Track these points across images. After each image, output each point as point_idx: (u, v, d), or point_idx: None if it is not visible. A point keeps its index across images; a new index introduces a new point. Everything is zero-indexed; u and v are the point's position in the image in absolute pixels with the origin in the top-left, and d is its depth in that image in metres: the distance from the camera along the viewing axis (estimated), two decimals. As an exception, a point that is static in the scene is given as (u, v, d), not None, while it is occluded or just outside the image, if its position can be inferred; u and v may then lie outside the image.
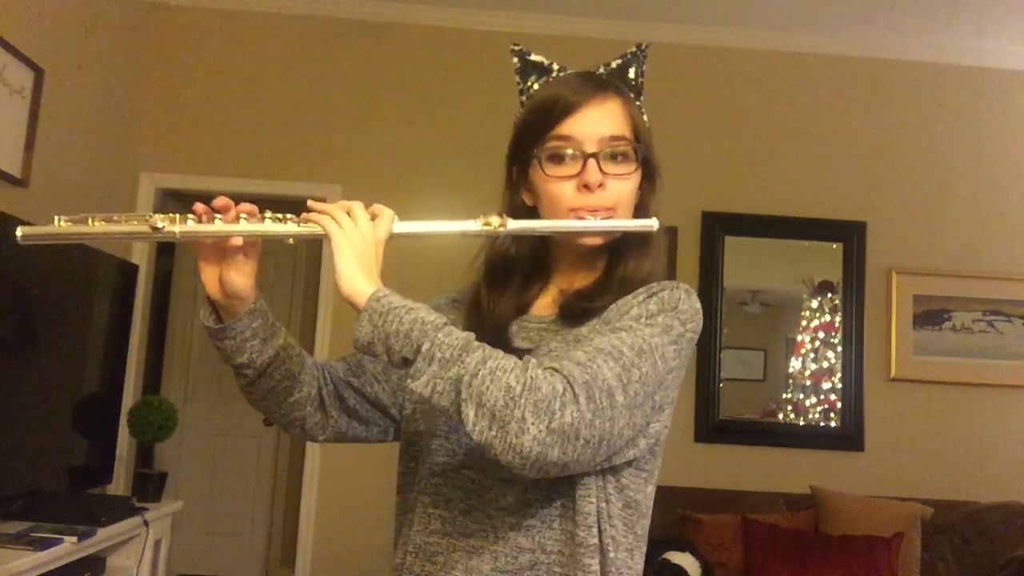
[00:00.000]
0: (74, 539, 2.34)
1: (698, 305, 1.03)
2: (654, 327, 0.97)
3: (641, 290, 1.03)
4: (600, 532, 0.97)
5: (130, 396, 3.49)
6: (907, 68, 4.05)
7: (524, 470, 0.86)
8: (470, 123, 3.86)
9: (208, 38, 3.95)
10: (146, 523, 2.84)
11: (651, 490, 1.05)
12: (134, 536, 2.83)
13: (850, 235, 3.94)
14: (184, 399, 4.35)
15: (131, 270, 3.31)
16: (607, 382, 0.88)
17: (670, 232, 3.90)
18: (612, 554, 0.98)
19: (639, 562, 1.03)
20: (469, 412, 0.85)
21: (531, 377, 0.86)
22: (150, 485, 3.16)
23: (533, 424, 0.84)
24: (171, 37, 3.92)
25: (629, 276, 1.06)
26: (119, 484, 3.48)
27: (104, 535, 2.55)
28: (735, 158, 3.99)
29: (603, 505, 0.98)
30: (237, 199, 1.01)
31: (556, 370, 0.88)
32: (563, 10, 3.89)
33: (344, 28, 3.96)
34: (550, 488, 0.97)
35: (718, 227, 3.93)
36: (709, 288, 3.89)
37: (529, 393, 0.84)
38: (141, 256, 3.65)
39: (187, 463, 4.69)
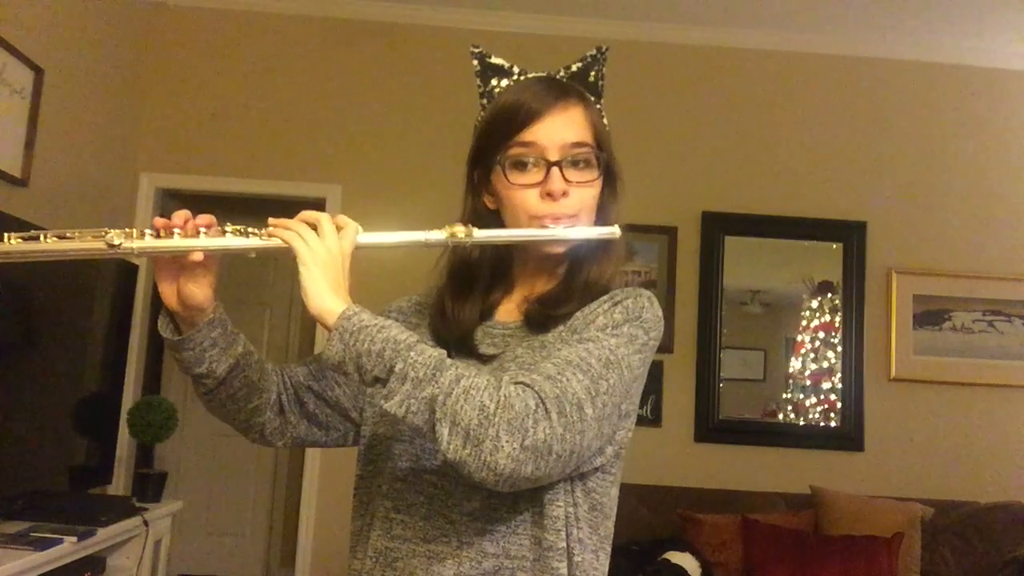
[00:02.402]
0: (74, 539, 2.34)
1: (660, 313, 1.04)
2: (620, 337, 0.98)
3: (605, 298, 1.04)
4: (568, 535, 0.98)
5: (130, 396, 3.49)
6: (907, 68, 4.05)
7: (497, 486, 0.87)
8: (470, 123, 3.85)
9: (208, 38, 3.95)
10: (146, 523, 2.84)
11: (615, 492, 1.07)
12: (134, 536, 2.83)
13: (850, 235, 3.94)
14: (184, 399, 4.34)
15: (131, 270, 3.31)
16: (577, 396, 0.89)
17: (670, 232, 3.91)
18: (579, 556, 0.99)
19: (604, 563, 1.04)
20: (443, 431, 0.85)
21: (504, 395, 0.86)
22: (150, 485, 3.16)
23: (507, 442, 0.84)
24: (171, 37, 3.92)
25: (591, 282, 1.07)
26: (119, 484, 3.48)
27: (104, 535, 2.55)
28: (735, 158, 3.99)
29: (571, 509, 0.99)
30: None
31: (527, 385, 0.89)
32: (567, 11, 3.89)
33: (344, 28, 3.96)
34: (517, 493, 0.97)
35: (718, 227, 3.93)
36: (709, 288, 3.89)
37: (503, 411, 0.85)
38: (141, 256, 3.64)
39: (187, 463, 4.69)
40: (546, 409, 0.87)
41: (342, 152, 3.92)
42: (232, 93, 3.93)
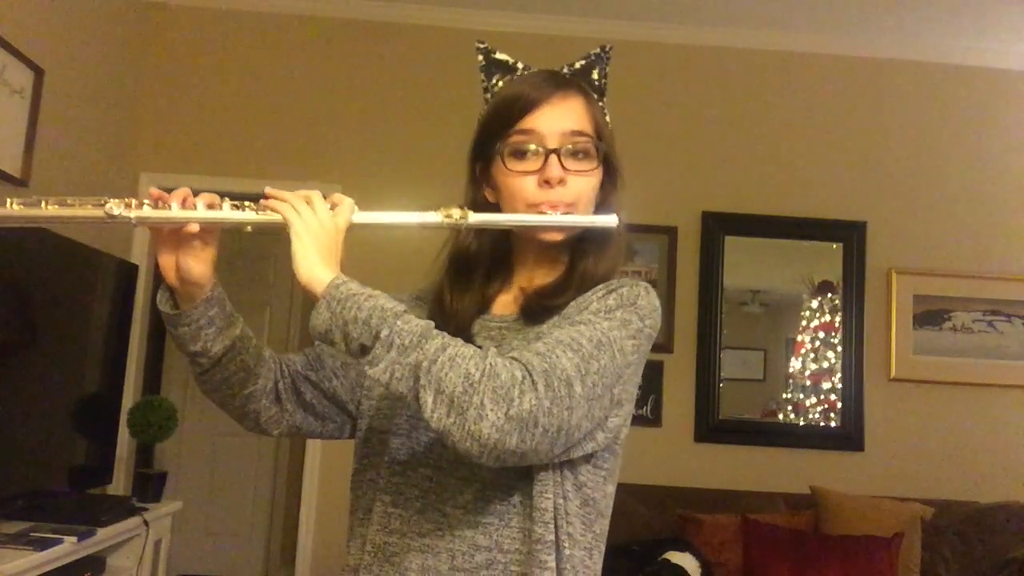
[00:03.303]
0: (74, 539, 2.34)
1: (657, 303, 1.04)
2: (612, 321, 0.97)
3: (600, 287, 1.04)
4: (556, 528, 0.97)
5: (130, 396, 3.49)
6: (907, 68, 4.05)
7: (482, 458, 0.86)
8: (470, 123, 3.84)
9: (208, 38, 3.95)
10: (146, 523, 2.84)
11: (611, 490, 1.06)
12: (134, 536, 2.83)
13: (850, 235, 3.94)
14: (184, 399, 4.34)
15: (131, 270, 3.31)
16: (566, 372, 0.89)
17: (670, 232, 3.91)
18: (568, 551, 0.98)
19: (598, 562, 1.04)
20: (427, 398, 0.85)
21: (490, 364, 0.86)
22: (150, 485, 3.16)
23: (492, 411, 0.83)
24: (171, 37, 3.92)
25: (589, 273, 1.07)
26: (119, 484, 3.48)
27: (104, 535, 2.55)
28: (735, 158, 3.99)
29: (560, 501, 0.98)
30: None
31: (515, 359, 0.88)
32: (566, 11, 3.89)
33: (344, 28, 3.96)
34: (508, 486, 0.97)
35: (718, 227, 3.93)
36: (709, 288, 3.89)
37: (488, 380, 0.84)
38: (141, 256, 3.65)
39: (187, 463, 4.69)
40: (533, 381, 0.86)
41: (342, 152, 3.92)
42: (232, 93, 3.93)
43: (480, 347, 1.04)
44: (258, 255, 4.81)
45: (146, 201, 0.97)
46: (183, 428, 3.74)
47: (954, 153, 4.02)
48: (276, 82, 3.94)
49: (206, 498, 4.71)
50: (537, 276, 1.11)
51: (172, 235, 1.00)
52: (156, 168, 3.84)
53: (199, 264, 1.00)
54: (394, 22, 3.96)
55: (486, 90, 1.14)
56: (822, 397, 3.89)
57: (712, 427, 3.83)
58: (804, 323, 3.94)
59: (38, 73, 2.92)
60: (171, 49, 3.92)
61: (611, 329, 0.96)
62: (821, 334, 3.92)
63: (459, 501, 0.99)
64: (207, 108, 3.91)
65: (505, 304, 1.12)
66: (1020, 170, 4.02)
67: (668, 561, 3.10)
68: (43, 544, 2.23)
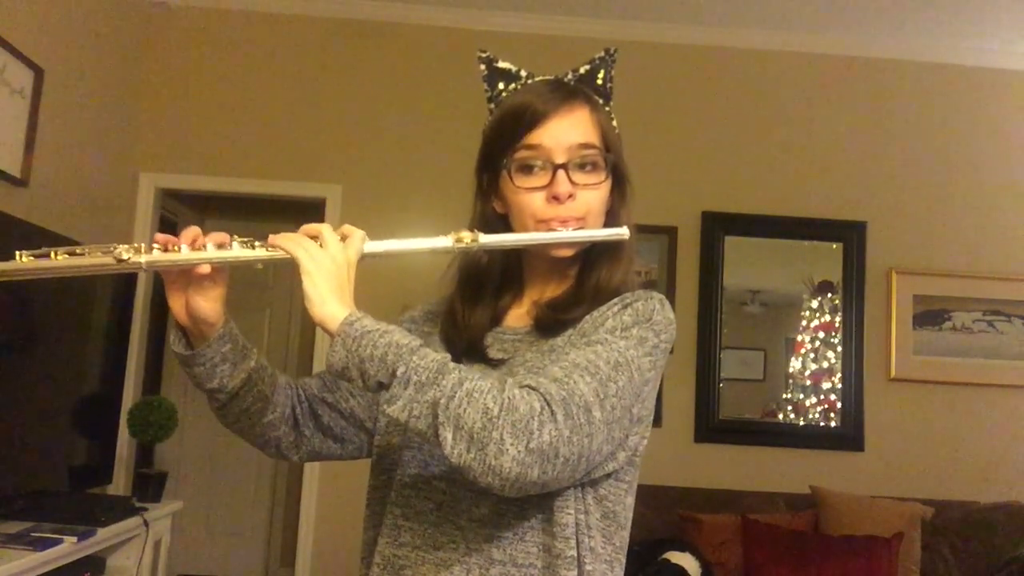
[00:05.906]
0: (74, 539, 2.34)
1: (672, 315, 1.03)
2: (629, 339, 0.96)
3: (615, 301, 1.03)
4: (578, 543, 0.97)
5: (130, 396, 3.49)
6: (907, 68, 4.05)
7: (504, 491, 0.85)
8: (470, 123, 3.83)
9: (208, 38, 3.95)
10: (146, 523, 2.84)
11: (630, 501, 1.06)
12: (134, 536, 2.83)
13: (850, 235, 3.94)
14: (184, 399, 4.34)
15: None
16: (584, 398, 0.88)
17: (670, 232, 3.91)
18: (589, 566, 0.97)
19: (619, 574, 1.03)
20: (447, 435, 0.84)
21: (508, 398, 0.85)
22: (150, 485, 3.16)
23: (512, 445, 0.83)
24: (171, 37, 3.92)
25: (602, 285, 1.06)
26: (119, 484, 3.48)
27: (104, 535, 2.55)
28: (735, 158, 3.99)
29: (581, 516, 0.97)
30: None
31: (533, 388, 0.87)
32: (565, 10, 3.89)
33: (344, 28, 3.96)
34: (525, 499, 0.95)
35: (718, 227, 3.93)
36: (709, 288, 3.89)
37: (507, 414, 0.83)
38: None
39: (187, 463, 4.69)
40: (552, 411, 0.85)
41: (342, 152, 3.92)
42: (232, 93, 3.93)
43: (493, 359, 1.04)
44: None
45: (155, 245, 0.96)
46: (183, 428, 3.74)
47: (954, 153, 4.02)
48: (276, 82, 3.94)
49: (206, 498, 4.71)
50: (549, 289, 1.10)
51: (181, 276, 0.99)
52: (156, 168, 3.84)
53: (209, 303, 0.99)
54: (394, 22, 3.96)
55: (490, 99, 1.12)
56: (822, 397, 3.89)
57: (712, 427, 3.83)
58: (804, 323, 3.94)
59: (38, 73, 2.92)
60: (171, 49, 3.92)
61: (628, 348, 0.95)
62: (821, 334, 3.92)
63: (475, 515, 0.98)
64: (207, 108, 3.91)
65: (518, 317, 1.11)
66: (1020, 170, 4.02)
67: (668, 561, 3.10)
68: (43, 544, 2.23)
